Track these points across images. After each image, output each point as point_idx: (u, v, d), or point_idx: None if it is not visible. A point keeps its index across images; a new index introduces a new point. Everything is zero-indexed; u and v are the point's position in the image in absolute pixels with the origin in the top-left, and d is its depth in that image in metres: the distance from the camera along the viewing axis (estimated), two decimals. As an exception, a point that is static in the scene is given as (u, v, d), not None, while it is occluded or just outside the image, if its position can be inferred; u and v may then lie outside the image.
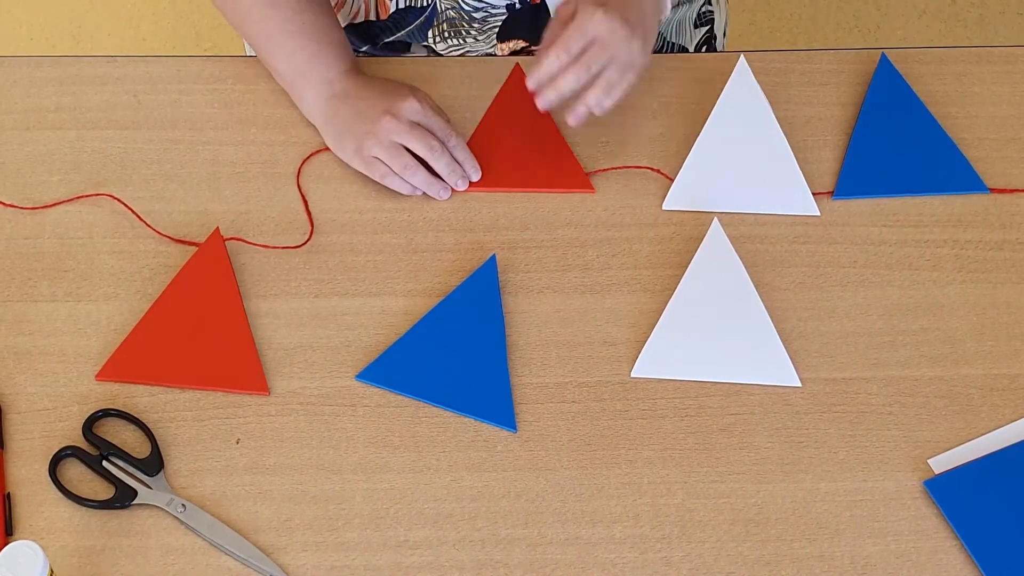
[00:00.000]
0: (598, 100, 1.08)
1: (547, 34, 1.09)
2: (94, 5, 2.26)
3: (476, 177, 1.16)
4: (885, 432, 1.06)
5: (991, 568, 1.00)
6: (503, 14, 1.26)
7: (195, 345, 1.08)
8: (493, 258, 1.12)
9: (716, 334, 1.09)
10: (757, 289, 1.11)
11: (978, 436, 1.06)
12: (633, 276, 1.13)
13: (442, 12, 1.27)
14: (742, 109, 1.17)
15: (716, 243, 1.11)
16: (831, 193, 1.17)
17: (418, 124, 1.14)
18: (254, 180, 1.17)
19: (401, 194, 1.16)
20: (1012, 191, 1.18)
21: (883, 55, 1.23)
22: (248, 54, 1.46)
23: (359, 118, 1.14)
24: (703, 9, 1.38)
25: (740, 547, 1.02)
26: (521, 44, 1.30)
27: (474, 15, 1.26)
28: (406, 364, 1.08)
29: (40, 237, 1.14)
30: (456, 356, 1.08)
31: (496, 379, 1.07)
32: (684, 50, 1.37)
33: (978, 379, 1.09)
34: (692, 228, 1.15)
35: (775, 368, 1.08)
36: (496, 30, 1.28)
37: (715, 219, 1.13)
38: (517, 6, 1.26)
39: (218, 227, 1.13)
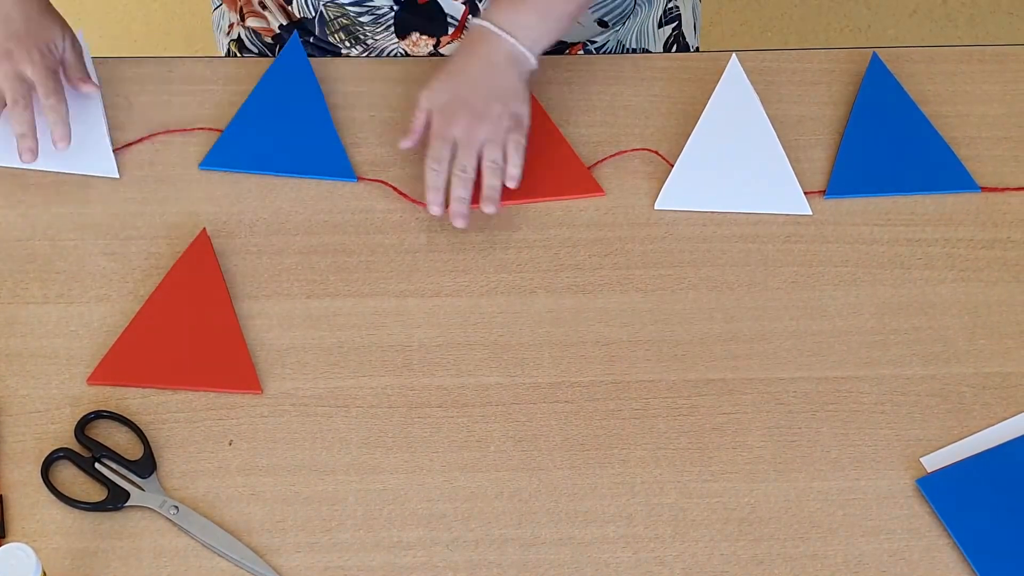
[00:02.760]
0: (491, 188, 1.12)
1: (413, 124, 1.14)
2: (85, 7, 2.26)
3: (63, 146, 1.11)
4: (877, 431, 1.06)
5: (984, 566, 1.00)
6: (388, 12, 1.26)
7: (186, 347, 1.08)
8: (295, 36, 1.22)
9: (733, 167, 1.15)
10: (749, 289, 1.12)
11: (970, 434, 1.06)
12: (625, 276, 1.13)
13: (332, 20, 1.28)
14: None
15: (734, 80, 1.16)
16: (823, 192, 1.18)
17: (21, 77, 1.11)
18: (244, 181, 1.17)
19: (392, 196, 1.16)
20: (1003, 190, 1.18)
21: (874, 54, 1.23)
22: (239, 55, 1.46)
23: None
24: (668, 6, 1.37)
25: (733, 546, 1.02)
26: (425, 39, 1.29)
27: (361, 18, 1.27)
28: (244, 145, 1.17)
29: (31, 239, 1.14)
30: (287, 129, 1.17)
31: (328, 140, 1.16)
32: (646, 52, 1.36)
33: (970, 377, 1.09)
34: (684, 228, 1.15)
35: (787, 197, 1.14)
36: (391, 28, 1.27)
37: (733, 56, 1.17)
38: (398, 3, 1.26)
39: (205, 228, 1.13)
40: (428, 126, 1.14)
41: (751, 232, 1.15)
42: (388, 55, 1.30)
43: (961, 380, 1.09)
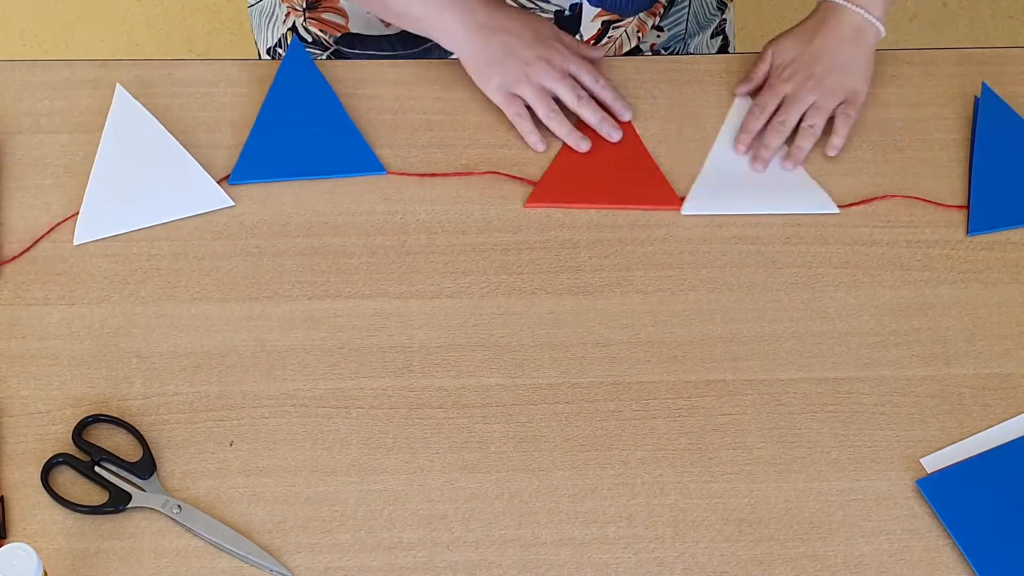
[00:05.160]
0: (799, 149, 1.18)
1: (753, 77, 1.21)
2: (87, 11, 2.27)
3: (627, 117, 1.19)
4: (877, 432, 1.07)
5: (984, 567, 1.00)
6: (549, 17, 1.27)
7: (606, 172, 1.17)
8: (295, 39, 1.23)
9: (755, 171, 1.17)
10: (749, 290, 1.12)
11: (970, 435, 1.06)
12: (625, 277, 1.13)
13: None
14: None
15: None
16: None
17: (568, 73, 1.19)
18: (244, 183, 1.17)
19: (392, 197, 1.16)
20: (1003, 191, 1.19)
21: (984, 85, 1.22)
22: (238, 58, 1.46)
23: (510, 57, 1.18)
24: (718, 22, 1.40)
25: (733, 547, 1.02)
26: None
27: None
28: (268, 155, 1.17)
29: (33, 240, 1.14)
30: (306, 133, 1.18)
31: (348, 137, 1.18)
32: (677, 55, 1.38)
33: (969, 379, 1.09)
34: (684, 230, 1.16)
35: (812, 198, 1.16)
36: None
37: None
38: (567, 13, 1.28)
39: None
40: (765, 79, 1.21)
41: (751, 234, 1.16)
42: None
43: (961, 381, 1.09)
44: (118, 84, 1.19)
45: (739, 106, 1.19)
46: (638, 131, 1.20)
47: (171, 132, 1.19)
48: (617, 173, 1.18)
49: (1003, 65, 1.26)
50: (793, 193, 1.17)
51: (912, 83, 1.24)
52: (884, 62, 1.24)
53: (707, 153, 1.19)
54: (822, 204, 1.17)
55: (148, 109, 1.19)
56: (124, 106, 1.19)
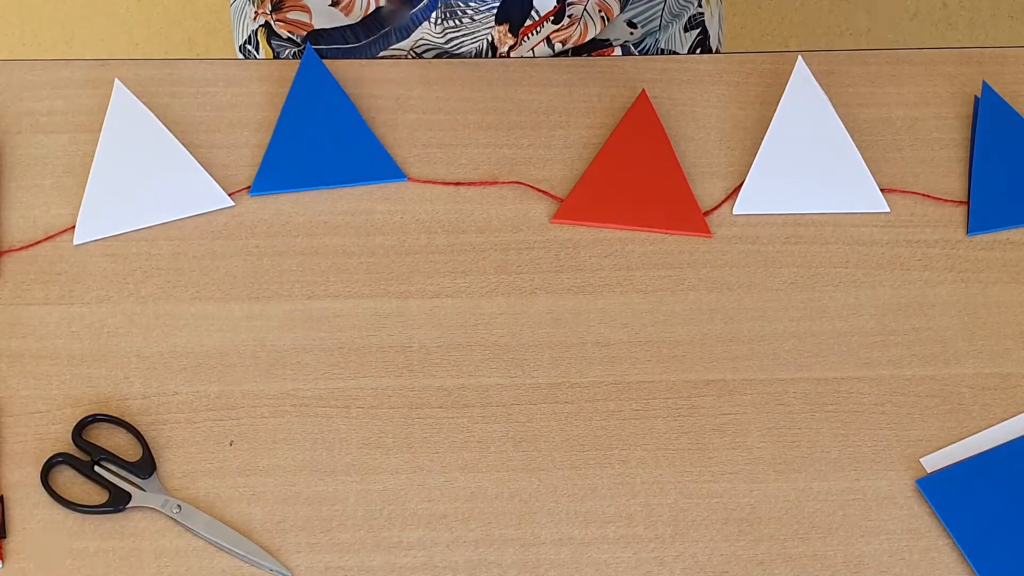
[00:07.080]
0: None
1: None
2: (87, 11, 2.27)
3: None
4: (877, 431, 1.07)
5: (984, 566, 1.00)
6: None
7: (636, 193, 1.15)
8: (308, 47, 1.21)
9: (807, 169, 1.16)
10: (749, 290, 1.12)
11: (970, 435, 1.06)
12: (626, 277, 1.13)
13: None
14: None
15: (801, 83, 1.18)
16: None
17: None
18: (245, 182, 1.17)
19: (392, 197, 1.16)
20: (1003, 191, 1.19)
21: (985, 84, 1.22)
22: (239, 57, 1.46)
23: None
24: (693, 12, 1.38)
25: (733, 546, 1.02)
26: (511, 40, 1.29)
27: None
28: (287, 165, 1.16)
29: (32, 241, 1.14)
30: (325, 141, 1.17)
31: (368, 145, 1.17)
32: (676, 55, 1.38)
33: (969, 378, 1.09)
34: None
35: (863, 196, 1.15)
36: (495, 11, 1.27)
37: (799, 58, 1.18)
38: None
39: (644, 90, 1.19)
40: None
41: (751, 233, 1.16)
42: (463, 38, 1.29)
43: (960, 381, 1.09)
44: (116, 79, 1.19)
45: (786, 103, 1.18)
46: (638, 131, 1.21)
47: (171, 132, 1.19)
48: (648, 195, 1.16)
49: (1003, 65, 1.26)
50: (845, 191, 1.16)
51: (912, 83, 1.24)
52: (884, 62, 1.24)
53: (710, 152, 1.19)
54: (873, 203, 1.16)
55: (150, 108, 1.19)
56: (122, 102, 1.19)
